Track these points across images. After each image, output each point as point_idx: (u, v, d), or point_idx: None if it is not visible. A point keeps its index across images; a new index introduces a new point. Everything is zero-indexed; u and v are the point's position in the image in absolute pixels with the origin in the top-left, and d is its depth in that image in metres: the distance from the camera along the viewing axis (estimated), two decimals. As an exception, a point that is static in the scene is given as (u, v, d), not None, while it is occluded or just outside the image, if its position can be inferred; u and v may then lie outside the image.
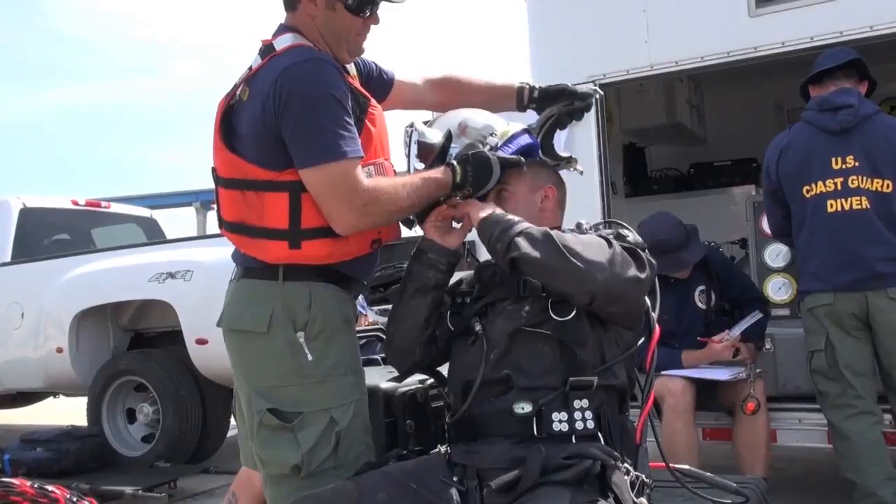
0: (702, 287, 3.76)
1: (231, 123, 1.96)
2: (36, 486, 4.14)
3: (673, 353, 3.56)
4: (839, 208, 3.17)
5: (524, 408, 1.81)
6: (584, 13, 3.99)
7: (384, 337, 2.40)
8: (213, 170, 2.01)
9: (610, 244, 1.82)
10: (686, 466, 2.10)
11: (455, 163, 1.95)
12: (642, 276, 1.82)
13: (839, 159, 3.21)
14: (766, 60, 3.70)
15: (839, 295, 3.18)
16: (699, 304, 3.76)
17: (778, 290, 3.97)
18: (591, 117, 3.87)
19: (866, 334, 3.19)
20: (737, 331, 3.58)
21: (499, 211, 1.91)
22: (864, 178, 3.15)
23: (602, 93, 2.31)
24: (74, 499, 4.08)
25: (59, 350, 5.70)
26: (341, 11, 1.96)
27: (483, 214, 1.89)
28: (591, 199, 3.82)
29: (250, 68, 1.98)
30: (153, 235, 7.36)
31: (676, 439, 3.38)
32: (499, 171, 1.96)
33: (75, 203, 6.97)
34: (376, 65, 2.22)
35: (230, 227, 2.00)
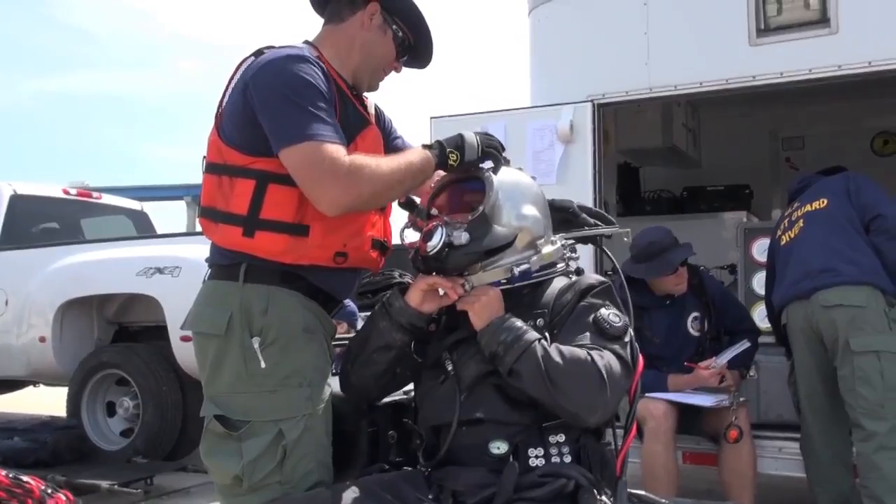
0: (696, 314, 3.77)
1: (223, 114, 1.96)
2: (11, 475, 4.11)
3: (659, 376, 3.57)
4: (788, 239, 3.49)
5: (500, 447, 1.80)
6: (585, 33, 4.01)
7: None
8: (203, 158, 2.00)
9: (600, 371, 1.74)
10: (642, 492, 2.07)
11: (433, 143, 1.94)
12: (627, 383, 1.85)
13: (789, 209, 3.59)
14: (764, 89, 3.73)
15: (789, 310, 3.41)
16: (692, 331, 3.76)
17: (764, 317, 3.99)
18: (587, 136, 3.90)
19: (822, 353, 3.31)
20: (724, 358, 3.59)
21: (494, 322, 1.82)
22: (803, 207, 3.47)
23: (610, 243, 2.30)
24: (49, 491, 4.05)
25: (42, 339, 5.67)
26: (389, 38, 2.03)
27: (481, 325, 1.84)
28: (583, 217, 3.83)
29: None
30: (143, 228, 7.33)
31: (655, 461, 3.39)
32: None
33: (66, 192, 6.94)
34: (399, 133, 2.24)
35: (202, 212, 1.98)
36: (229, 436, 1.84)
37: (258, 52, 1.96)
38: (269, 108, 1.82)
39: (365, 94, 2.12)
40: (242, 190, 1.86)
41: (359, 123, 1.98)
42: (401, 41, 2.05)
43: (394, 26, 2.03)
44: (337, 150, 1.79)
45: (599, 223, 2.22)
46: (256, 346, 1.84)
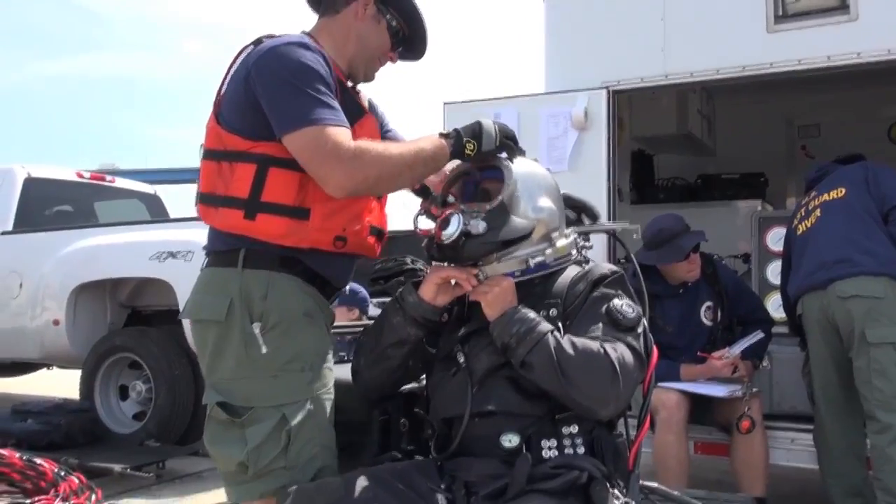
0: (709, 303, 3.75)
1: (221, 101, 1.97)
2: (25, 458, 4.16)
3: (672, 366, 3.55)
4: (804, 228, 3.46)
5: (511, 440, 1.80)
6: (601, 19, 3.97)
7: None
8: (201, 146, 2.01)
9: (612, 364, 1.73)
10: (654, 484, 2.05)
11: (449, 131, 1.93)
12: (641, 376, 1.84)
13: (806, 198, 3.56)
14: (781, 77, 3.69)
15: (804, 301, 3.38)
16: (705, 321, 3.75)
17: (778, 307, 3.96)
18: (602, 123, 3.87)
19: (838, 344, 3.28)
20: (737, 349, 3.57)
21: (507, 313, 1.82)
22: (820, 197, 3.44)
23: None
24: (62, 473, 4.10)
25: (56, 322, 5.70)
26: (383, 28, 2.06)
27: (493, 316, 1.83)
28: (597, 204, 3.80)
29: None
30: (156, 212, 7.35)
31: (667, 451, 3.38)
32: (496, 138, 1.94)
33: (80, 175, 6.96)
34: (391, 126, 2.24)
35: (201, 198, 1.98)
36: (232, 422, 1.84)
37: (257, 41, 1.97)
38: (272, 93, 1.83)
39: (359, 87, 2.12)
40: (243, 174, 1.87)
41: (356, 112, 1.99)
42: (395, 31, 2.08)
43: (387, 16, 2.07)
44: (341, 133, 1.80)
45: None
46: (257, 331, 1.85)
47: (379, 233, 2.06)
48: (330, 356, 1.99)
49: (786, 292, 3.61)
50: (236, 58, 1.97)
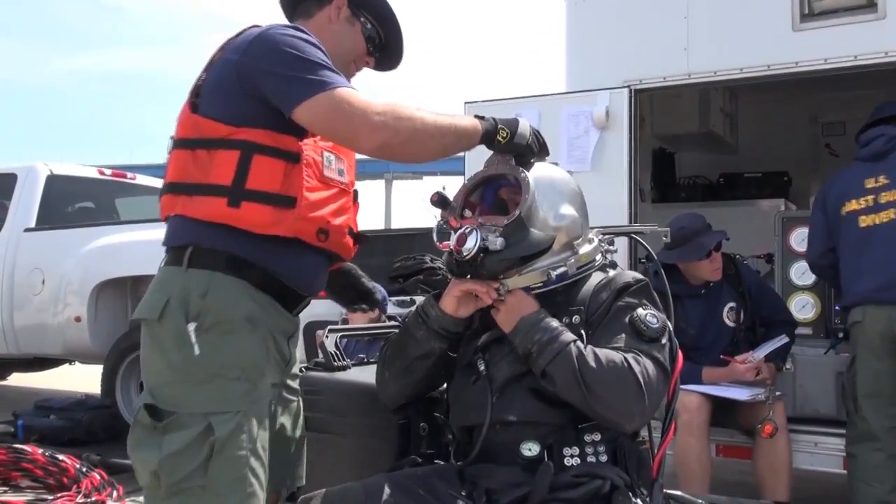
0: (732, 304, 3.71)
1: (199, 91, 1.87)
2: (48, 454, 4.20)
3: (694, 368, 3.51)
4: (871, 223, 3.28)
5: (531, 449, 1.78)
6: (623, 18, 3.94)
7: None
8: (170, 138, 1.90)
9: (636, 377, 1.71)
10: (678, 492, 2.02)
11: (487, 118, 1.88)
12: (665, 387, 1.81)
13: (872, 179, 3.34)
14: (806, 76, 3.64)
15: (867, 310, 3.25)
16: (727, 322, 3.70)
17: (802, 308, 3.93)
18: (623, 123, 3.84)
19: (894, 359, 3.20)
20: (761, 353, 3.53)
21: (530, 319, 1.80)
22: (893, 190, 3.25)
23: None
24: (84, 469, 4.14)
25: (78, 319, 5.75)
26: (357, 31, 2.02)
27: (508, 328, 1.82)
28: (619, 204, 3.80)
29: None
30: (176, 209, 7.37)
31: (689, 455, 3.35)
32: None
33: (101, 172, 7.01)
34: None
35: (168, 188, 1.84)
36: (154, 427, 1.68)
37: (240, 33, 1.88)
38: (279, 69, 1.73)
39: None
40: (225, 160, 1.76)
41: None
42: (369, 34, 2.04)
43: (361, 19, 2.02)
44: (364, 95, 1.75)
45: None
46: (191, 330, 1.71)
47: (354, 235, 1.99)
48: (269, 372, 1.82)
49: (814, 263, 3.55)
50: (221, 49, 1.88)
